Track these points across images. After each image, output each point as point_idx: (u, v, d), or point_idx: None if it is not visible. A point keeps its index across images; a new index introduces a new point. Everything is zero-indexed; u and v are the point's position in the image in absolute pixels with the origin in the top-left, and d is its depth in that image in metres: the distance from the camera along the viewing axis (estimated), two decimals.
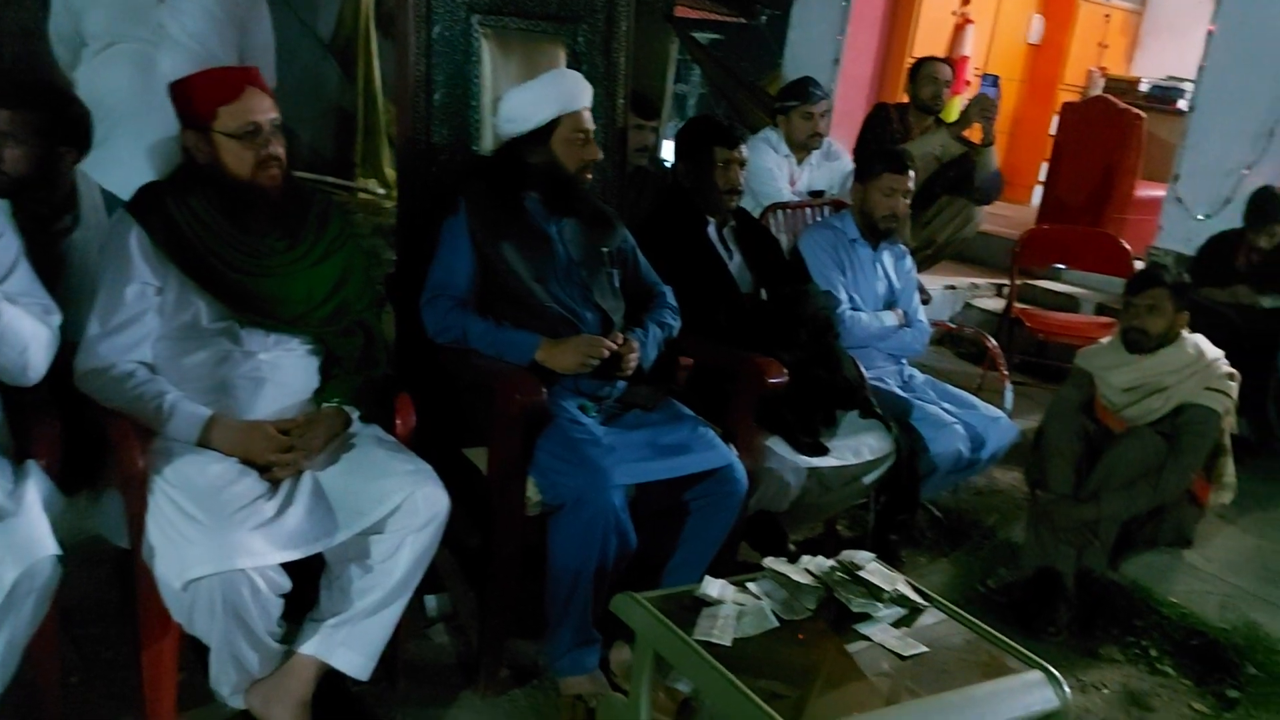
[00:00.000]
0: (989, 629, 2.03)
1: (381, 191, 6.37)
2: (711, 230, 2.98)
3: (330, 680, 2.08)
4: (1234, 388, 3.01)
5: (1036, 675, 1.88)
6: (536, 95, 2.50)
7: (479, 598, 2.58)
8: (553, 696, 2.39)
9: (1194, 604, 2.94)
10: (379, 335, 2.30)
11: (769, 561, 2.06)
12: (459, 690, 2.40)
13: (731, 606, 1.94)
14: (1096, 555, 2.96)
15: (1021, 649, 1.95)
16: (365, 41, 6.43)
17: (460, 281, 2.45)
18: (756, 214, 3.46)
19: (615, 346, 2.43)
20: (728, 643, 1.83)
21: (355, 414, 2.19)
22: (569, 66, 2.80)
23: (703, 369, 2.81)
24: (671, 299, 2.70)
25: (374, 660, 2.08)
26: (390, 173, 6.35)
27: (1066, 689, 1.86)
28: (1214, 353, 3.04)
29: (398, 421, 2.25)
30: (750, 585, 2.02)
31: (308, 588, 2.06)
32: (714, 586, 1.97)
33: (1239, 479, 3.16)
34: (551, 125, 2.49)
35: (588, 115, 2.54)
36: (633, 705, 1.94)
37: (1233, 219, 4.47)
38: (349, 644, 2.05)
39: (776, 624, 1.93)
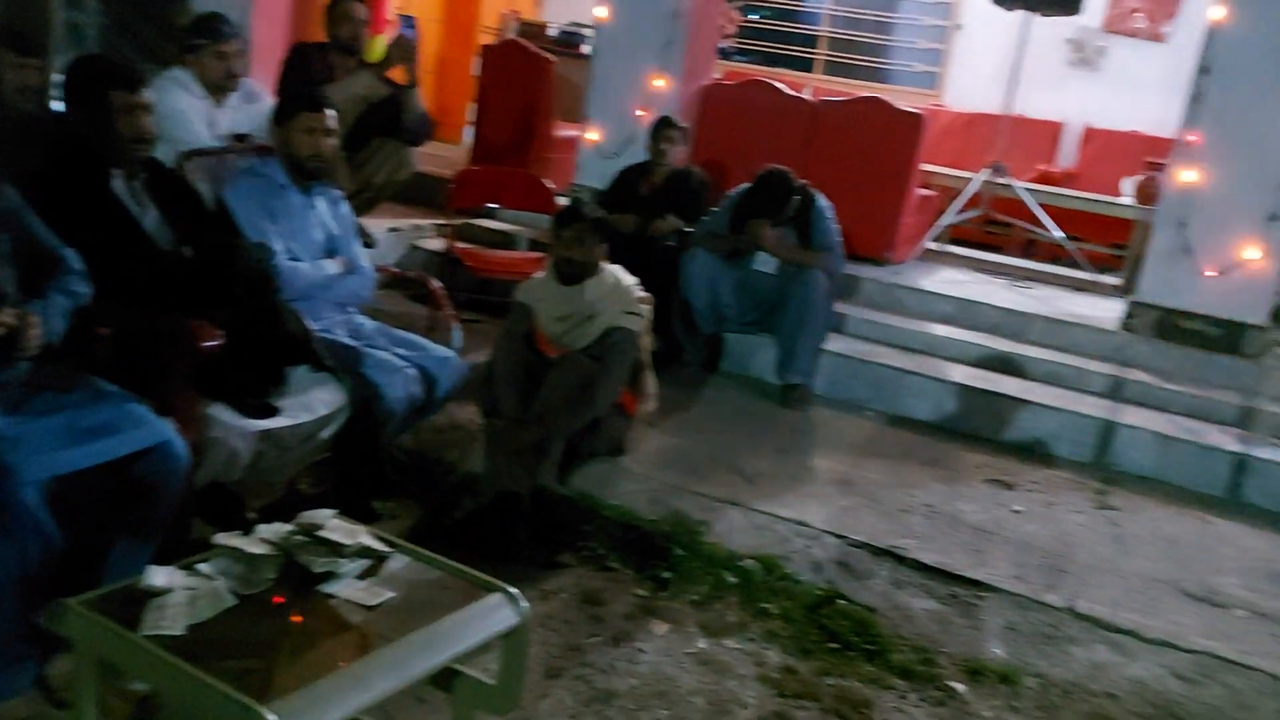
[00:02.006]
0: (452, 563, 2.10)
1: None
2: (119, 184, 2.67)
3: None
4: (648, 310, 3.39)
5: (497, 597, 1.99)
6: None
7: None
8: None
9: (630, 503, 3.31)
10: None
11: (219, 538, 1.94)
12: None
13: (183, 593, 1.80)
14: (548, 473, 3.20)
15: (481, 575, 2.04)
16: None
17: None
18: (172, 162, 3.16)
19: (10, 322, 2.10)
20: (181, 631, 1.71)
21: None
22: None
23: (125, 338, 2.53)
24: (76, 263, 2.39)
25: None
26: None
27: (524, 604, 1.99)
28: (629, 280, 3.39)
29: None
30: (202, 567, 1.89)
31: None
32: (160, 575, 1.82)
33: (659, 388, 3.60)
34: None
35: None
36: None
37: (637, 154, 5.02)
38: None
39: (235, 602, 1.83)
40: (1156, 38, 7.73)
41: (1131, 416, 4.20)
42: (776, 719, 2.47)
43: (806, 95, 5.85)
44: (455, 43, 7.68)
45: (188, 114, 3.74)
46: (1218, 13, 4.45)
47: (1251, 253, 4.43)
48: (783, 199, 4.37)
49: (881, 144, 5.15)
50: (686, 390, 4.30)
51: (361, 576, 1.99)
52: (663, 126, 4.68)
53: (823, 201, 4.49)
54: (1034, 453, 4.16)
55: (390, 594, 1.94)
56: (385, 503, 3.20)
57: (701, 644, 2.73)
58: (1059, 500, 3.74)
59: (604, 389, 3.24)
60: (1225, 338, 4.54)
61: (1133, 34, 7.82)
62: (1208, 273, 4.50)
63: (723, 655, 2.69)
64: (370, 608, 1.90)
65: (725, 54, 8.33)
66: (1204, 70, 4.46)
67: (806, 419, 4.25)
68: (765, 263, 4.43)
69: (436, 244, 5.26)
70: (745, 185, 4.53)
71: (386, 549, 2.08)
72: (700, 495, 3.39)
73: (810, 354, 4.37)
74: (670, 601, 2.91)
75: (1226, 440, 4.09)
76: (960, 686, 2.65)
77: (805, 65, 8.94)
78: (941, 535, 3.33)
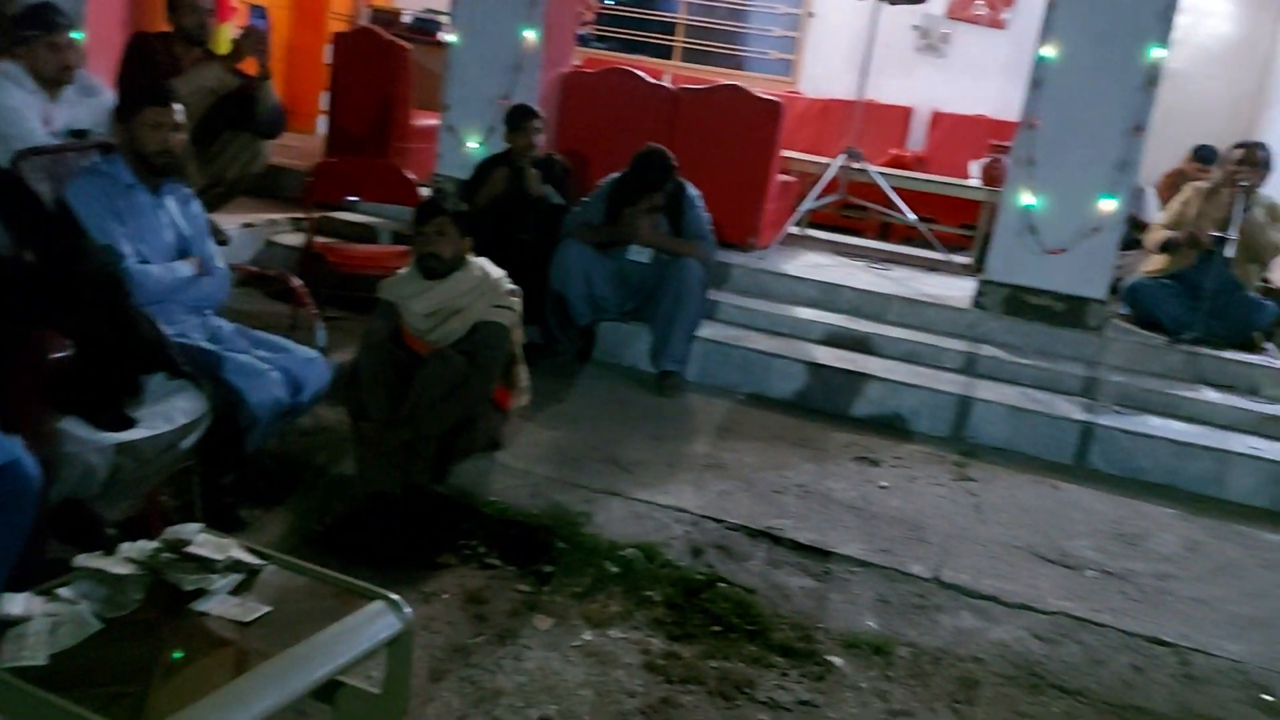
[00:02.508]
0: (329, 571, 2.05)
1: None
2: None
3: None
4: (518, 303, 3.37)
5: (378, 604, 1.96)
6: None
7: None
8: None
9: (509, 498, 3.29)
10: None
11: (80, 559, 1.85)
12: None
13: (43, 620, 1.72)
14: (422, 472, 3.15)
15: (360, 583, 2.00)
16: None
17: None
18: (6, 162, 2.97)
19: None
20: (43, 661, 1.63)
21: None
22: None
23: None
24: None
25: None
26: None
27: (407, 610, 1.96)
28: (497, 273, 3.36)
29: None
30: (62, 591, 1.81)
31: None
32: (16, 603, 1.73)
33: (532, 381, 3.58)
34: None
35: None
36: None
37: (499, 144, 4.97)
38: None
39: (100, 626, 1.76)
40: (997, 24, 8.09)
41: (985, 391, 4.40)
42: (664, 705, 2.50)
43: (666, 83, 5.89)
44: (305, 29, 7.43)
45: (20, 110, 3.52)
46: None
47: (1090, 231, 4.69)
48: (663, 175, 4.39)
49: (743, 132, 5.24)
50: (561, 382, 4.29)
51: (235, 592, 1.93)
52: (525, 117, 4.64)
53: (693, 190, 4.55)
54: (896, 429, 4.32)
55: (266, 608, 1.89)
56: (253, 511, 3.10)
57: (587, 636, 2.74)
58: (921, 474, 3.90)
59: (477, 385, 3.21)
60: (1069, 312, 4.80)
61: (975, 21, 8.16)
62: (1051, 251, 4.74)
63: (608, 646, 2.71)
64: (246, 624, 1.85)
65: (584, 41, 8.31)
66: (1041, 57, 4.69)
67: (680, 405, 4.30)
68: (639, 252, 4.46)
69: (294, 239, 5.10)
70: (616, 175, 4.55)
71: (259, 561, 2.02)
72: (579, 487, 3.40)
73: (684, 341, 4.42)
74: (553, 596, 2.91)
75: (1073, 410, 4.33)
76: (838, 660, 2.74)
77: (664, 52, 9.00)
78: (814, 514, 3.42)
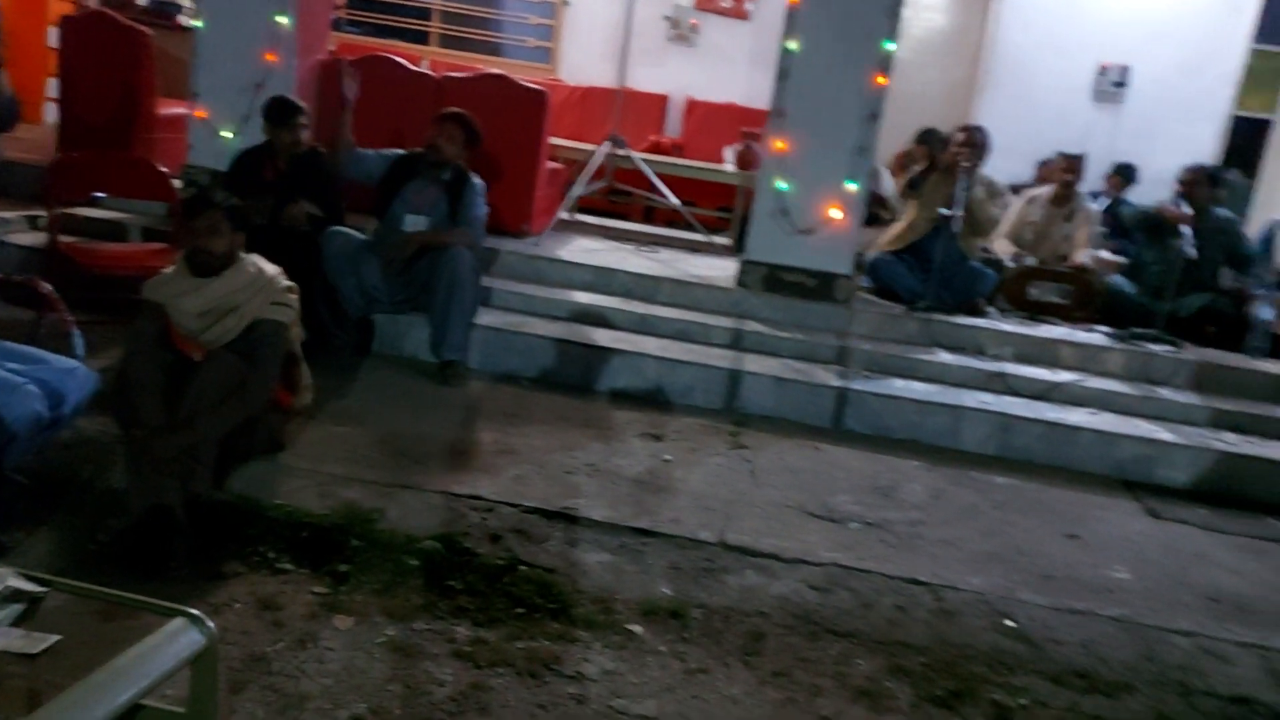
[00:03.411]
0: (119, 593, 1.96)
1: None
2: None
3: None
4: (295, 299, 3.29)
5: (178, 621, 1.90)
6: None
7: None
8: None
9: (297, 500, 3.22)
10: None
11: None
12: None
13: None
14: (201, 479, 3.03)
15: (156, 601, 1.93)
16: None
17: None
18: None
19: None
20: None
21: None
22: None
23: None
24: None
25: None
26: None
27: (210, 624, 1.91)
28: (272, 269, 3.27)
29: None
30: None
31: None
32: None
33: (313, 378, 3.50)
34: None
35: None
36: None
37: (256, 135, 4.78)
38: None
39: None
40: (741, 15, 8.51)
41: (752, 364, 4.68)
42: (474, 690, 2.55)
43: (426, 70, 5.84)
44: (23, 12, 6.80)
45: None
46: None
47: (834, 212, 5.06)
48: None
49: (510, 120, 5.28)
50: (342, 377, 4.21)
51: (16, 623, 1.82)
52: (289, 114, 4.48)
53: (477, 181, 4.58)
54: (675, 405, 4.53)
55: (54, 637, 1.79)
56: (14, 535, 2.88)
57: (390, 631, 2.74)
58: (701, 446, 4.12)
59: (256, 386, 3.12)
60: (820, 287, 5.17)
61: (721, 12, 8.54)
62: (802, 231, 5.09)
63: (413, 639, 2.72)
64: (34, 656, 1.75)
65: (337, 25, 8.06)
66: (787, 49, 5.01)
67: (466, 394, 4.33)
68: (414, 220, 4.48)
69: (29, 239, 4.71)
70: (401, 151, 4.55)
71: (40, 589, 1.90)
72: (370, 483, 3.37)
73: (462, 329, 4.43)
74: (352, 595, 2.89)
75: (829, 377, 4.69)
76: (637, 628, 2.88)
77: (420, 38, 8.87)
78: (605, 491, 3.55)
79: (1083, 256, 5.99)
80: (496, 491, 3.42)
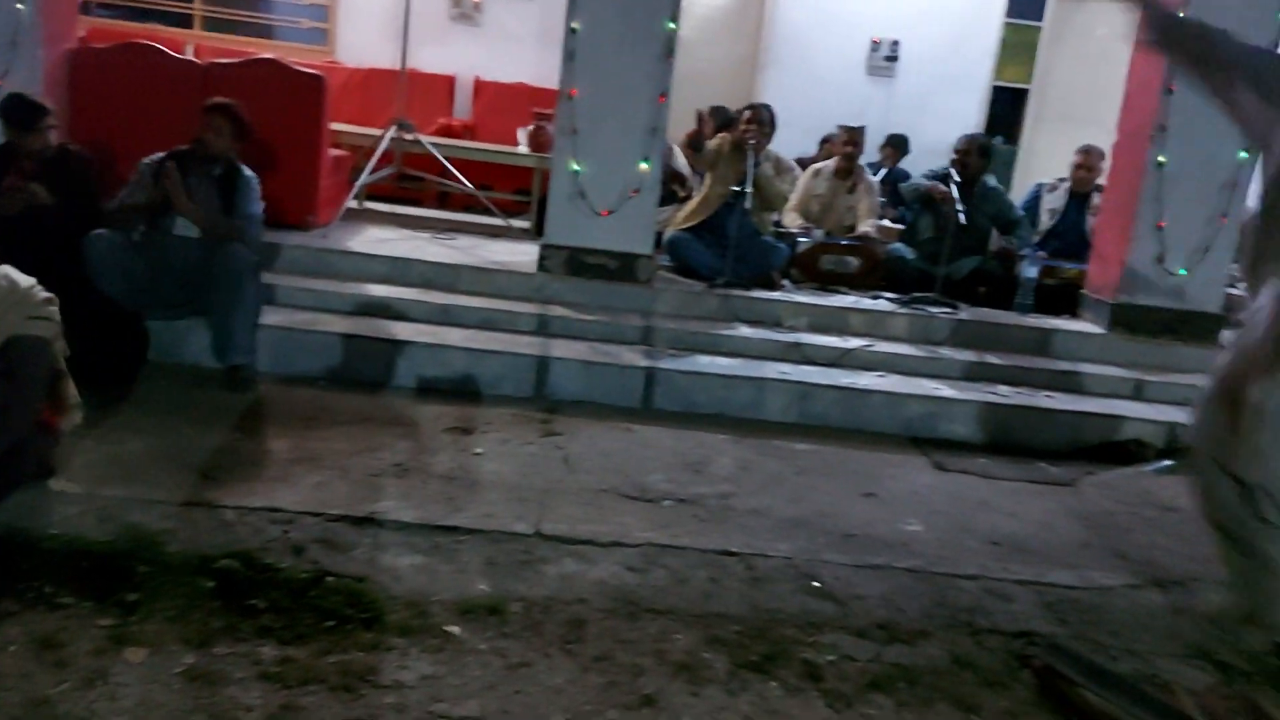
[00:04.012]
0: None
1: None
2: None
3: None
4: (55, 311, 3.02)
5: None
6: None
7: None
8: None
9: (74, 528, 2.97)
10: None
11: None
12: None
13: None
14: None
15: None
16: None
17: None
18: None
19: None
20: None
21: None
22: None
23: None
24: None
25: None
26: None
27: None
28: (26, 280, 2.99)
29: None
30: None
31: None
32: None
33: (82, 395, 3.23)
34: None
35: None
36: None
37: None
38: None
39: None
40: None
41: (559, 349, 4.67)
42: (284, 711, 2.43)
43: (191, 56, 5.49)
44: None
45: None
46: None
47: (631, 192, 5.10)
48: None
49: (285, 107, 5.04)
50: (115, 392, 3.91)
51: None
52: (35, 116, 4.11)
53: (249, 173, 4.33)
54: (483, 396, 4.46)
55: None
56: None
57: (189, 659, 2.57)
58: (512, 436, 4.07)
59: (18, 408, 2.86)
60: (622, 269, 5.21)
61: None
62: (601, 213, 5.10)
63: (215, 664, 2.56)
64: None
65: (85, 9, 7.45)
66: (572, 30, 4.99)
67: (256, 400, 4.11)
68: (186, 226, 4.20)
69: None
70: (160, 154, 4.23)
71: None
72: (156, 503, 3.14)
73: (248, 331, 4.20)
74: (143, 624, 2.69)
75: (636, 358, 4.73)
76: (455, 629, 2.81)
77: (182, 21, 8.32)
78: (415, 491, 3.46)
79: (866, 226, 6.29)
80: (296, 501, 3.27)
